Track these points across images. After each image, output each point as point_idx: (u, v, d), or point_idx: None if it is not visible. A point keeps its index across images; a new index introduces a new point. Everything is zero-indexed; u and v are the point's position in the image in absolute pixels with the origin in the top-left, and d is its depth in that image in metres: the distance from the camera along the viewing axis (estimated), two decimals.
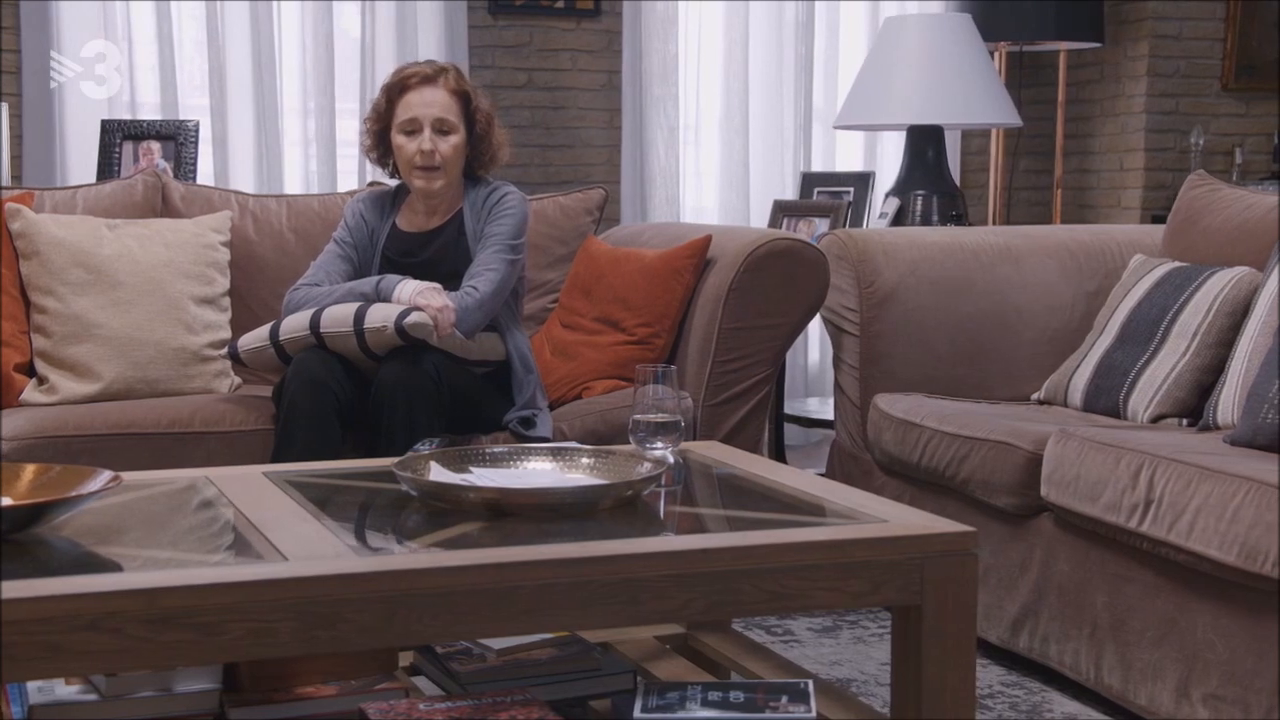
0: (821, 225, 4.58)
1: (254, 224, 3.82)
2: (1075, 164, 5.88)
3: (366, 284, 3.25)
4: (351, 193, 3.80)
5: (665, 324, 3.48)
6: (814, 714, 2.08)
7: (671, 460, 2.39)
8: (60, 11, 4.69)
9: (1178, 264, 3.39)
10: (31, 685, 2.06)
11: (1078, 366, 3.42)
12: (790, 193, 5.39)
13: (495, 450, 2.37)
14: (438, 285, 3.22)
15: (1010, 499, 3.03)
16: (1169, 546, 2.59)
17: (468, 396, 3.21)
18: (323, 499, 2.30)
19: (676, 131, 5.42)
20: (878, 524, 2.05)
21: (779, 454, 4.54)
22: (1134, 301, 3.36)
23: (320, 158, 5.04)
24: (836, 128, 4.96)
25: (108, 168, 4.36)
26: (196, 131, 4.43)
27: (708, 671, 2.46)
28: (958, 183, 5.15)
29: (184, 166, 4.35)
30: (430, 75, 3.36)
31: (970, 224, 4.79)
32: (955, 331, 3.63)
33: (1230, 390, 3.00)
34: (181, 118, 4.67)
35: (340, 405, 3.10)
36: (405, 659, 2.35)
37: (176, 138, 4.38)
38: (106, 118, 4.53)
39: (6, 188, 3.94)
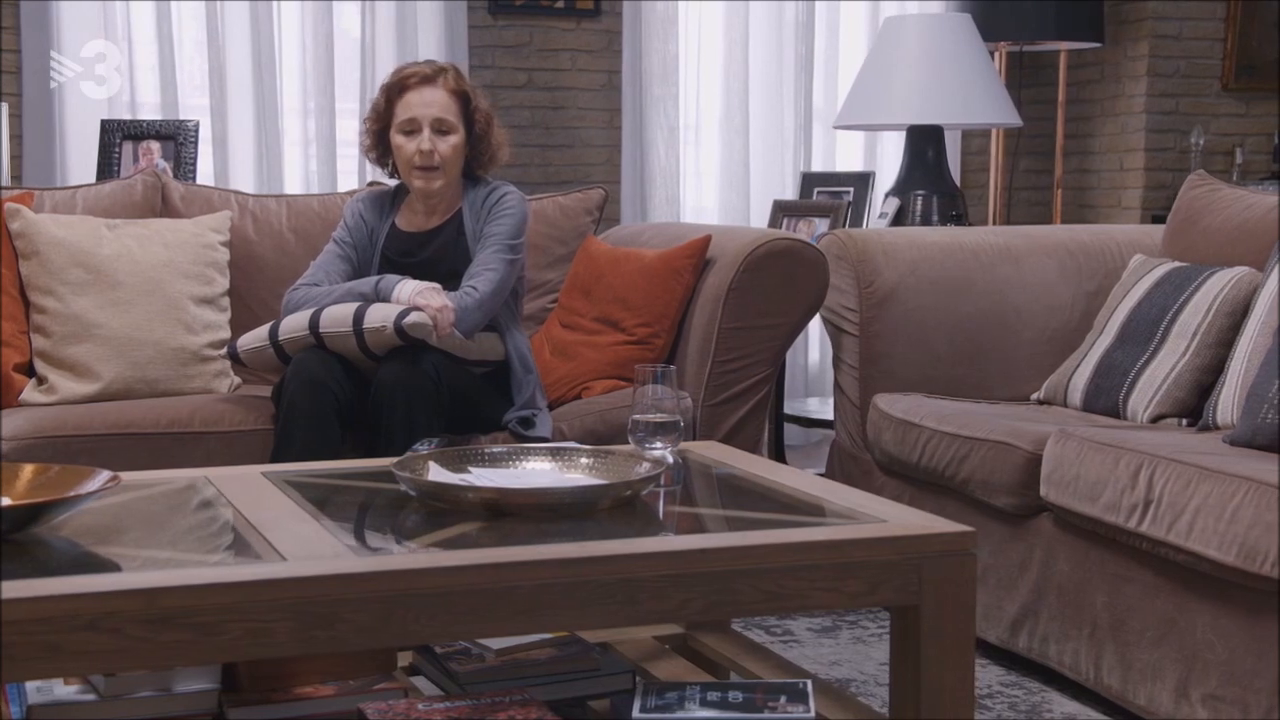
0: (821, 225, 4.58)
1: (254, 224, 3.82)
2: (1075, 164, 5.88)
3: (366, 284, 3.25)
4: (351, 193, 3.80)
5: (665, 324, 3.48)
6: (812, 714, 2.08)
7: (670, 460, 2.39)
8: (60, 11, 4.69)
9: (1177, 264, 3.39)
10: (30, 685, 2.06)
11: (1077, 366, 3.42)
12: (790, 193, 5.39)
13: (494, 450, 2.37)
14: (437, 285, 3.22)
15: (1010, 499, 3.03)
16: (1168, 546, 2.59)
17: (467, 396, 3.21)
18: (321, 499, 2.30)
19: (676, 131, 5.42)
20: (876, 524, 2.05)
21: (779, 454, 4.54)
22: (1134, 301, 3.36)
23: (320, 158, 5.04)
24: (836, 128, 4.96)
25: (107, 168, 4.36)
26: (196, 131, 4.43)
27: (707, 671, 2.46)
28: (958, 183, 5.15)
29: (184, 166, 4.35)
30: (429, 75, 3.36)
31: (970, 224, 4.79)
32: (955, 331, 3.63)
33: (1230, 390, 3.00)
34: (181, 118, 4.67)
35: (339, 405, 3.10)
36: (404, 659, 2.35)
37: (176, 138, 4.38)
38: (106, 118, 4.53)
39: (6, 188, 3.94)
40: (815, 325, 5.02)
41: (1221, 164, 5.56)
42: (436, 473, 2.22)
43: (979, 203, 5.75)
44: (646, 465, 2.25)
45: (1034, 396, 3.58)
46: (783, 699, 2.11)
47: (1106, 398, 3.29)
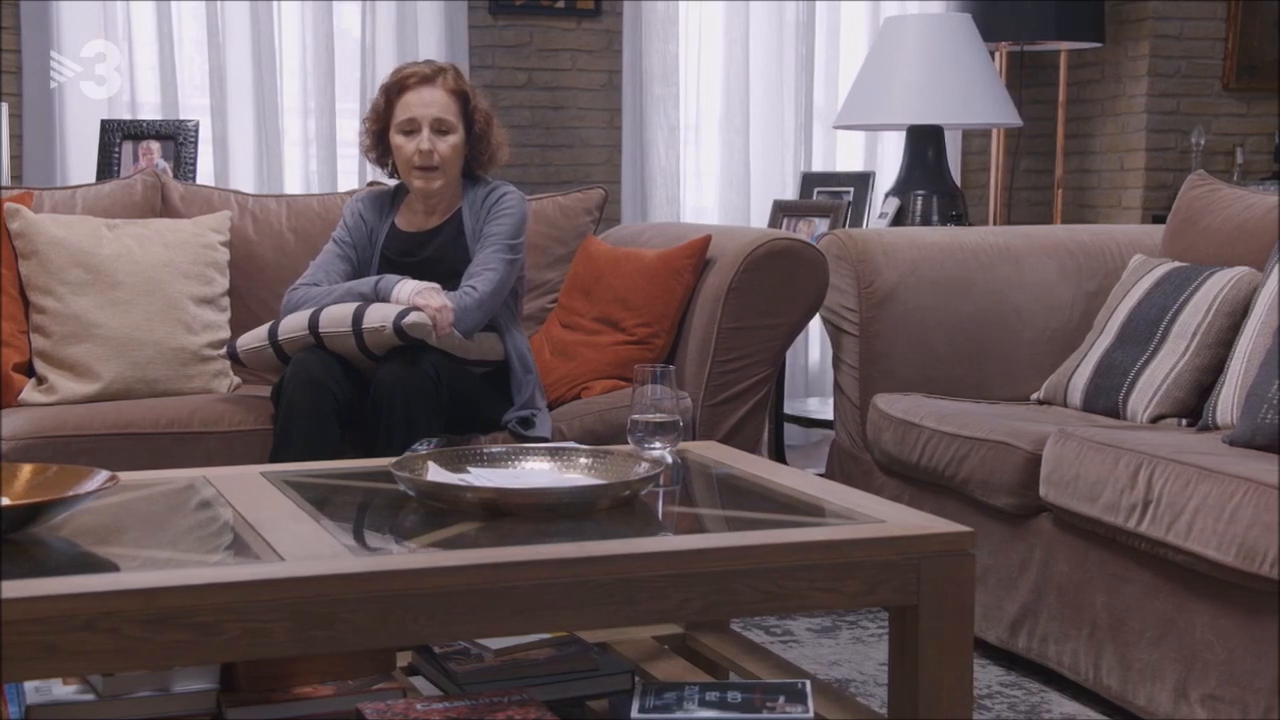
0: (821, 225, 4.58)
1: (253, 224, 3.82)
2: (1076, 164, 5.88)
3: (365, 284, 3.25)
4: (351, 193, 3.80)
5: (664, 324, 3.48)
6: (811, 714, 2.08)
7: (669, 460, 2.39)
8: (60, 11, 4.69)
9: (1177, 264, 3.39)
10: (29, 685, 2.06)
11: (1077, 366, 3.42)
12: (790, 193, 5.39)
13: (493, 450, 2.37)
14: (436, 285, 3.22)
15: (1009, 499, 3.03)
16: (1168, 547, 2.59)
17: (466, 396, 3.21)
18: (320, 499, 2.30)
19: (677, 131, 5.42)
20: (874, 524, 2.05)
21: (779, 454, 4.54)
22: (1133, 301, 3.36)
23: (320, 158, 5.04)
24: (837, 128, 4.96)
25: (107, 168, 4.36)
26: (196, 131, 4.43)
27: (706, 672, 2.46)
28: (958, 183, 5.15)
29: (183, 166, 4.35)
30: (429, 75, 3.36)
31: (970, 224, 4.79)
32: (955, 331, 3.63)
33: (1229, 390, 3.00)
34: (182, 117, 4.67)
35: (339, 405, 3.10)
36: (404, 659, 2.35)
37: (176, 138, 4.38)
38: (106, 118, 4.53)
39: (6, 187, 3.94)
40: (815, 325, 5.02)
41: (1222, 164, 5.56)
42: (435, 473, 2.22)
43: (979, 203, 5.75)
44: (645, 465, 2.25)
45: (1034, 396, 3.57)
46: (781, 699, 2.12)
47: (1106, 398, 3.29)
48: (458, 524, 2.05)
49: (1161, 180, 5.55)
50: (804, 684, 2.17)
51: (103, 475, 2.03)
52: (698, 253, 3.49)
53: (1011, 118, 4.64)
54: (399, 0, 5.04)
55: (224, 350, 3.39)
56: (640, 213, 5.36)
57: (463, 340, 3.25)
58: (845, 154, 5.65)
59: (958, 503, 3.20)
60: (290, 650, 1.74)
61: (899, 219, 4.61)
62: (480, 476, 2.24)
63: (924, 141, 4.66)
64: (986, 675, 3.09)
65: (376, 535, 2.16)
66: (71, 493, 1.97)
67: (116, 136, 4.39)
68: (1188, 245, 3.51)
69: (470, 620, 1.81)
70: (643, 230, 4.04)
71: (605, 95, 5.37)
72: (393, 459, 2.28)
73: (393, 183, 3.55)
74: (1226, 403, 3.00)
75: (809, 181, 5.04)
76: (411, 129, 3.35)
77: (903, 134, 4.80)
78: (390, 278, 3.24)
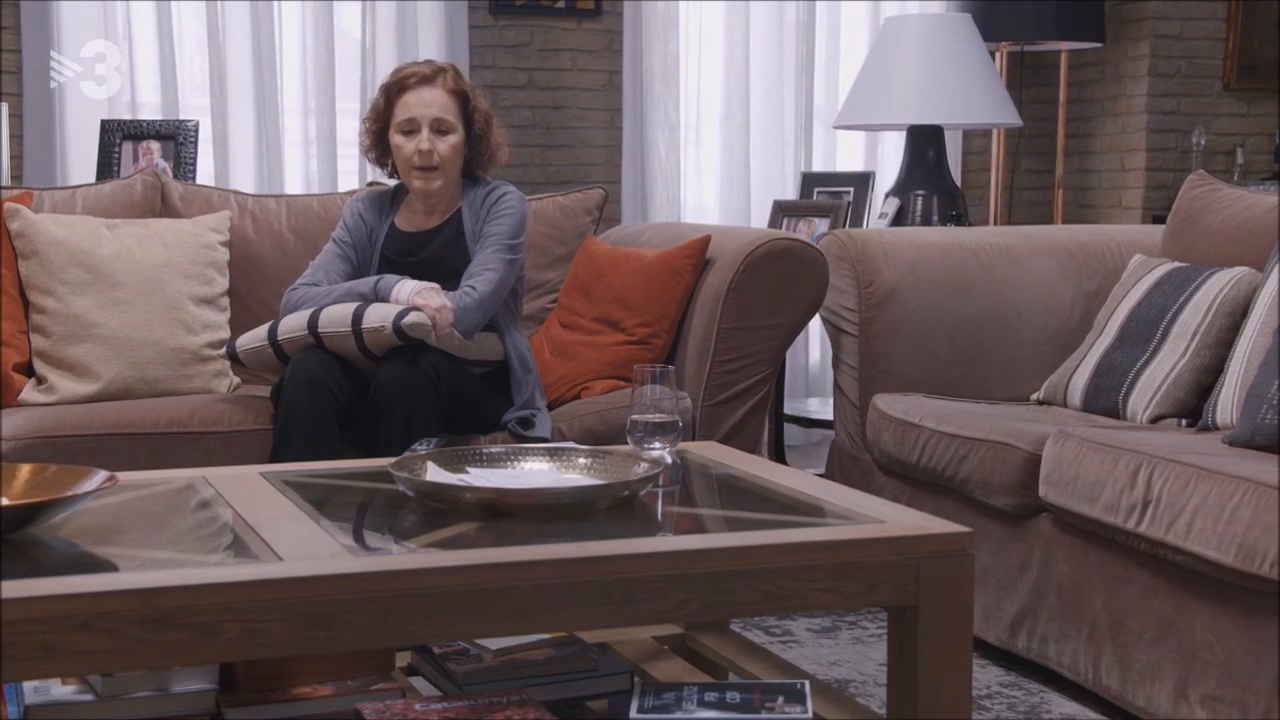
0: (821, 225, 4.58)
1: (253, 224, 3.82)
2: (1076, 164, 5.88)
3: (365, 284, 3.25)
4: (351, 193, 3.80)
5: (664, 324, 3.48)
6: (810, 714, 2.08)
7: (669, 460, 2.39)
8: (61, 11, 4.69)
9: (1177, 264, 3.39)
10: (27, 685, 2.06)
11: (1077, 367, 3.41)
12: (791, 193, 5.39)
13: (492, 450, 2.37)
14: (436, 285, 3.22)
15: (1009, 499, 3.03)
16: (1167, 547, 2.59)
17: (466, 396, 3.20)
18: (319, 499, 2.30)
19: (677, 131, 5.42)
20: (874, 524, 2.05)
21: (779, 454, 4.54)
22: (1133, 302, 3.36)
23: (321, 158, 5.04)
24: (837, 128, 4.96)
25: (107, 168, 4.36)
26: (196, 131, 4.43)
27: (705, 672, 2.46)
28: (959, 183, 5.15)
29: (183, 166, 4.35)
30: (428, 75, 3.36)
31: (970, 224, 4.79)
32: (954, 332, 3.63)
33: (1229, 390, 3.00)
34: (182, 118, 4.67)
35: (338, 405, 3.10)
36: (403, 659, 2.35)
37: (176, 138, 4.38)
38: (106, 118, 4.53)
39: (6, 187, 3.94)
40: (816, 325, 5.02)
41: (1223, 164, 5.56)
42: (434, 473, 2.22)
43: (980, 203, 5.75)
44: (644, 465, 2.25)
45: (1034, 397, 3.57)
46: (780, 699, 2.11)
47: (1106, 398, 3.29)
48: (457, 524, 2.05)
49: (1162, 180, 5.55)
50: (803, 684, 2.17)
51: (101, 475, 2.03)
52: (697, 253, 3.49)
53: (1012, 118, 4.64)
54: (399, 0, 5.03)
55: (224, 350, 3.39)
56: (641, 213, 5.36)
57: (462, 340, 3.25)
58: (845, 154, 5.65)
59: (957, 503, 3.20)
60: (289, 650, 1.74)
61: (899, 219, 4.60)
62: (479, 477, 2.24)
63: (924, 141, 4.66)
64: (986, 675, 3.08)
65: (375, 535, 2.16)
66: (70, 493, 1.97)
67: (116, 136, 4.39)
68: (1188, 245, 3.51)
69: (469, 620, 1.80)
70: (642, 230, 4.04)
71: (605, 95, 5.37)
72: (392, 459, 2.28)
73: (392, 183, 3.55)
74: (1226, 403, 2.99)
75: (809, 181, 5.04)
76: (411, 129, 3.35)
77: (903, 134, 4.80)
78: (390, 278, 3.24)
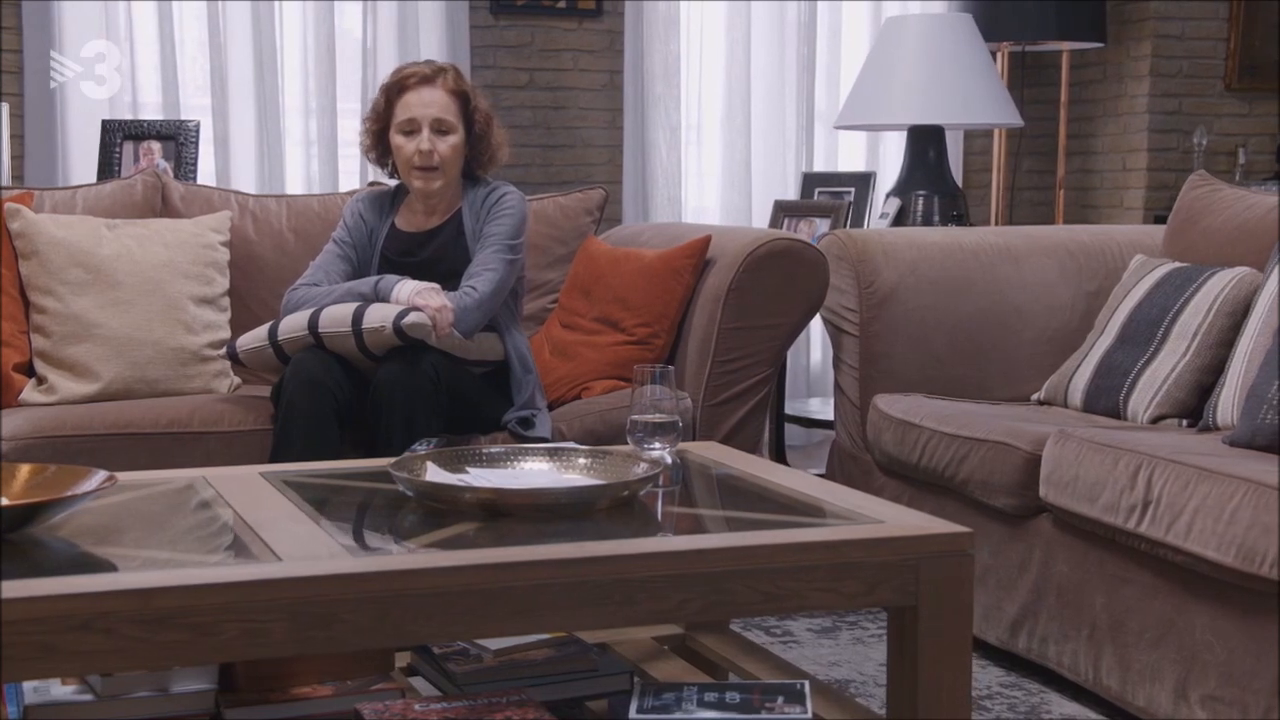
0: (822, 225, 4.58)
1: (254, 224, 3.82)
2: (1078, 164, 5.87)
3: (365, 284, 3.25)
4: (351, 193, 3.80)
5: (665, 324, 3.48)
6: (809, 715, 2.08)
7: (669, 461, 2.39)
8: (62, 11, 4.69)
9: (1178, 264, 3.39)
10: (27, 685, 2.06)
11: (1078, 367, 3.41)
12: (792, 193, 5.39)
13: (492, 450, 2.37)
14: (436, 285, 3.22)
15: (1009, 500, 3.03)
16: (1167, 547, 2.59)
17: (466, 397, 3.20)
18: (319, 499, 2.30)
19: (678, 131, 5.41)
20: (873, 525, 2.05)
21: (780, 454, 4.53)
22: (1134, 302, 3.36)
23: (322, 158, 5.04)
24: (838, 128, 4.95)
25: (108, 168, 4.36)
26: (197, 132, 4.43)
27: (705, 672, 2.46)
28: (960, 183, 5.14)
29: (184, 166, 4.35)
30: (429, 75, 3.36)
31: (971, 224, 4.79)
32: (955, 332, 3.62)
33: (1230, 391, 3.00)
34: (183, 118, 4.67)
35: (339, 405, 3.10)
36: (403, 659, 2.35)
37: (177, 138, 4.39)
38: (107, 118, 4.53)
39: (6, 187, 3.94)
40: (817, 325, 5.02)
41: (1224, 164, 5.55)
42: (434, 473, 2.22)
43: (981, 203, 5.74)
44: (644, 466, 2.25)
45: (1034, 397, 3.57)
46: (780, 700, 2.11)
47: (1107, 398, 3.28)
48: (456, 524, 2.05)
49: (1164, 180, 5.55)
50: (803, 684, 2.17)
51: (101, 475, 2.03)
52: (698, 253, 3.49)
53: (1013, 118, 4.64)
54: (400, 0, 5.04)
55: (224, 350, 3.39)
56: (642, 213, 5.36)
57: (462, 340, 3.25)
58: (846, 154, 5.65)
59: (958, 503, 3.20)
60: (288, 650, 1.74)
61: (900, 219, 4.60)
62: (479, 477, 2.24)
63: (925, 142, 4.66)
64: (986, 676, 3.08)
65: (375, 536, 2.16)
66: (69, 493, 1.97)
67: (117, 137, 4.39)
68: (1188, 245, 3.51)
69: (468, 620, 1.80)
70: (643, 230, 4.04)
71: (607, 95, 5.37)
72: (392, 459, 2.28)
73: (393, 183, 3.55)
74: (1227, 403, 2.99)
75: (810, 182, 5.03)
76: (411, 129, 3.35)
77: (904, 134, 4.79)
78: (390, 278, 3.24)
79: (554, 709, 2.17)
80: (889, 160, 5.52)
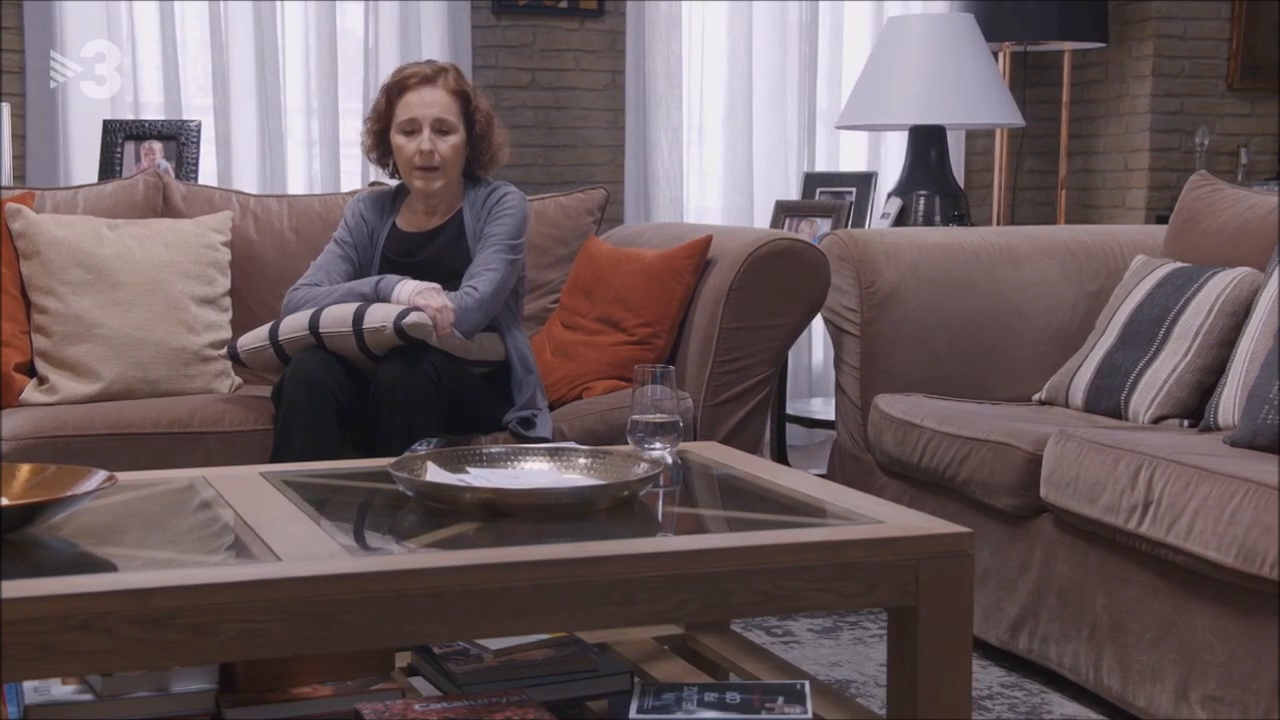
0: (824, 225, 4.58)
1: (255, 224, 3.82)
2: (1080, 164, 5.87)
3: (366, 284, 3.25)
4: (353, 193, 3.80)
5: (665, 324, 3.48)
6: (810, 715, 2.08)
7: (669, 461, 2.38)
8: (63, 12, 4.69)
9: (1179, 264, 3.39)
10: (27, 685, 2.06)
11: (1079, 367, 3.41)
12: (793, 193, 5.39)
13: (492, 450, 2.37)
14: (437, 285, 3.22)
15: (1010, 500, 3.03)
16: (1168, 548, 2.59)
17: (467, 397, 3.20)
18: (319, 499, 2.30)
19: (680, 131, 5.41)
20: (873, 525, 2.05)
21: (781, 454, 4.53)
22: (1135, 302, 3.36)
23: (324, 158, 5.04)
24: (839, 128, 4.95)
25: (109, 168, 4.36)
26: (198, 132, 4.43)
27: (706, 672, 2.46)
28: (962, 183, 5.14)
29: (185, 166, 4.35)
30: (429, 75, 3.36)
31: (973, 224, 4.78)
32: (956, 332, 3.62)
33: (1231, 391, 2.99)
34: (185, 118, 4.67)
35: (339, 405, 3.10)
36: (403, 659, 2.35)
37: (178, 138, 4.39)
38: (109, 118, 4.53)
39: (8, 187, 3.95)
40: (819, 325, 5.02)
41: (1226, 164, 5.55)
42: (433, 473, 2.22)
43: (983, 203, 5.74)
44: (644, 466, 2.25)
45: (1035, 397, 3.57)
46: (780, 700, 2.11)
47: (1108, 398, 3.28)
48: (456, 524, 2.05)
49: (1166, 180, 5.55)
50: (803, 685, 2.17)
51: (100, 475, 2.03)
52: (699, 253, 3.49)
53: (1015, 118, 4.64)
54: (402, 0, 5.04)
55: (225, 350, 3.39)
56: (643, 213, 5.36)
57: (463, 340, 3.24)
58: (848, 154, 5.65)
59: (958, 503, 3.20)
60: (287, 651, 1.74)
61: (901, 219, 4.60)
62: (479, 477, 2.24)
63: (927, 142, 4.66)
64: (987, 676, 3.08)
65: (374, 536, 2.15)
66: (69, 493, 1.97)
67: (119, 137, 4.39)
68: (1190, 246, 3.51)
69: (468, 621, 1.80)
70: (644, 230, 4.04)
71: (608, 95, 5.37)
72: (392, 459, 2.28)
73: (394, 183, 3.55)
74: (1228, 403, 2.99)
75: (811, 182, 5.03)
76: (412, 129, 3.35)
77: (905, 134, 4.79)
78: (391, 278, 3.24)
79: (554, 709, 2.17)
80: (890, 160, 5.52)
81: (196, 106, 4.88)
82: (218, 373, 3.48)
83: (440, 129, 3.35)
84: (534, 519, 2.07)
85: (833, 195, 4.83)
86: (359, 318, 3.13)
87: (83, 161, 4.70)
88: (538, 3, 5.24)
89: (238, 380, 3.52)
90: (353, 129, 4.79)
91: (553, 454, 2.36)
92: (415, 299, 3.16)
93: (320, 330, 3.16)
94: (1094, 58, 5.79)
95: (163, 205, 3.80)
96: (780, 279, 3.41)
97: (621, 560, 1.87)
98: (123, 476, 2.18)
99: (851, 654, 3.24)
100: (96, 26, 4.74)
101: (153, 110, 4.82)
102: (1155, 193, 5.55)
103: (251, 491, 2.25)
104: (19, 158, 4.67)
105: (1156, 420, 3.15)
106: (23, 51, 4.69)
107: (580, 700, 2.26)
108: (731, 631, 2.59)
